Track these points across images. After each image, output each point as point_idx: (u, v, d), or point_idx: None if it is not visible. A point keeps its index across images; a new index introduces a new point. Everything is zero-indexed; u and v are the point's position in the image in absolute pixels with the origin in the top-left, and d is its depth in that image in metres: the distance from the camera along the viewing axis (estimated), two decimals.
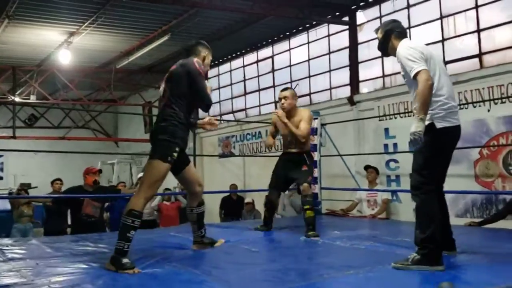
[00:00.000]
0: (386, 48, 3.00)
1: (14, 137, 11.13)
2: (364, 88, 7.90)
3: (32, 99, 11.36)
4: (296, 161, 4.34)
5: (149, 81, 12.35)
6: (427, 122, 2.66)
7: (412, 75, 2.68)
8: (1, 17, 7.52)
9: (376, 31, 3.06)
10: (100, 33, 8.65)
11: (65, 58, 9.24)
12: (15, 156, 12.01)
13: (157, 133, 3.02)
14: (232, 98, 11.03)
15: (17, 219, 7.01)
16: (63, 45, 8.98)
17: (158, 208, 7.93)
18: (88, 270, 2.78)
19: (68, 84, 11.33)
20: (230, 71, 11.05)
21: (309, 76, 8.93)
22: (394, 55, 2.94)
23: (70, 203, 5.63)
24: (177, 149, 2.97)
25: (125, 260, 2.69)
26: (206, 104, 3.12)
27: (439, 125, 2.71)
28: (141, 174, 9.17)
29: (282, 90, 4.45)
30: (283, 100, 4.34)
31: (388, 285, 2.33)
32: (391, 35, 2.94)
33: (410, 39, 3.04)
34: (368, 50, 7.73)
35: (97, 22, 7.98)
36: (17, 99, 11.31)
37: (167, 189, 9.47)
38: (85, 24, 8.11)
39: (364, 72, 7.89)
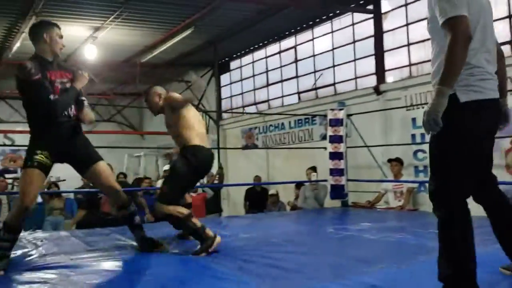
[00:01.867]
0: None
1: None
2: (390, 77, 7.77)
3: None
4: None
5: (172, 74, 12.42)
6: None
7: (441, 21, 1.85)
8: (29, 14, 7.65)
9: None
10: (124, 27, 8.72)
11: (90, 53, 9.37)
12: None
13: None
14: (254, 89, 11.01)
15: (48, 212, 7.19)
16: (88, 40, 9.11)
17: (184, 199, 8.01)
18: (121, 264, 2.82)
19: (94, 79, 11.48)
20: (253, 62, 11.02)
21: (334, 66, 8.83)
22: None
23: (90, 200, 5.65)
24: (38, 151, 2.81)
25: None
26: (50, 109, 2.78)
27: (464, 97, 1.88)
28: (166, 167, 9.30)
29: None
30: None
31: (423, 279, 2.29)
32: None
33: None
34: (394, 38, 7.59)
35: (122, 16, 8.05)
36: None
37: None
38: (110, 19, 8.19)
39: (390, 60, 7.75)
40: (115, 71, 11.69)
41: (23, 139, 4.02)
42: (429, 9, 2.00)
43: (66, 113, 2.90)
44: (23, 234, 4.46)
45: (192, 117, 3.35)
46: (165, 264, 2.75)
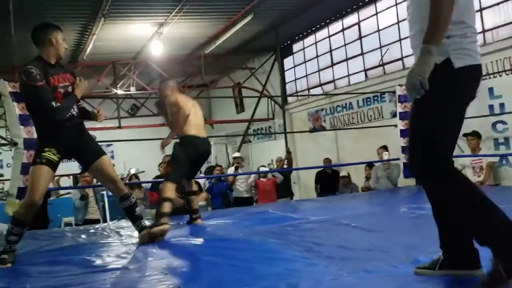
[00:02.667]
0: None
1: (119, 127, 12.05)
2: None
3: (132, 90, 12.16)
4: None
5: (236, 62, 12.58)
6: (439, 59, 1.70)
7: None
8: (98, 17, 8.08)
9: None
10: (187, 20, 8.94)
11: (157, 49, 9.71)
12: (122, 144, 12.96)
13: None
14: (319, 70, 10.84)
15: None
16: (154, 36, 9.45)
17: (255, 184, 8.14)
18: (193, 248, 2.94)
19: (162, 73, 11.92)
20: (315, 43, 10.84)
21: (400, 39, 8.45)
22: None
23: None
24: (46, 149, 2.95)
25: (3, 256, 2.85)
26: (52, 116, 2.93)
27: (459, 62, 1.71)
28: (236, 154, 9.49)
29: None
30: None
31: None
32: None
33: None
34: None
35: (183, 10, 8.25)
36: (119, 91, 12.19)
37: (262, 166, 9.67)
38: (172, 14, 8.42)
39: None
40: (182, 65, 12.04)
41: None
42: None
43: (69, 113, 3.03)
44: (106, 224, 4.81)
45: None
46: (234, 248, 2.83)
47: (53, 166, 3.00)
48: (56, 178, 12.76)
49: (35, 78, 2.84)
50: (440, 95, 1.72)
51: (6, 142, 4.25)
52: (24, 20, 6.97)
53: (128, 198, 3.26)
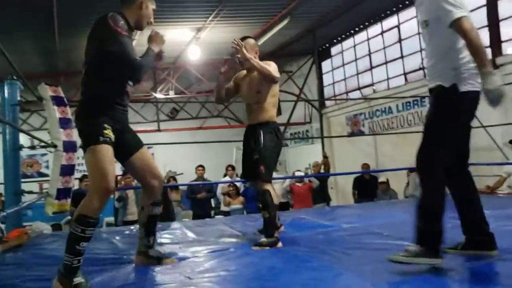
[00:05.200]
0: None
1: (159, 130, 12.29)
2: (508, 49, 7.00)
3: (171, 94, 12.38)
4: (252, 140, 3.31)
5: None
6: (448, 84, 2.23)
7: (449, 22, 2.17)
8: None
9: None
10: (224, 25, 9.02)
11: (195, 54, 9.86)
12: (162, 147, 13.26)
13: (79, 118, 2.40)
14: (357, 74, 10.68)
15: None
16: (192, 41, 9.58)
17: (290, 189, 8.07)
18: (228, 251, 2.93)
19: (201, 78, 12.08)
20: (354, 46, 10.69)
21: None
22: None
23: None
24: (105, 125, 2.32)
25: (77, 280, 2.16)
26: (135, 71, 2.36)
27: (463, 88, 2.23)
28: None
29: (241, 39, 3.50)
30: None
31: None
32: None
33: None
34: (510, 5, 6.81)
35: (220, 14, 8.33)
36: (159, 95, 12.45)
37: (297, 170, 9.59)
38: (210, 18, 8.52)
39: (507, 30, 6.98)
40: (219, 69, 12.13)
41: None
42: (424, 12, 2.31)
43: (123, 101, 2.50)
44: None
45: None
46: (261, 256, 2.80)
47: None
48: None
49: (122, 27, 2.35)
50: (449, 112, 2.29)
51: (46, 144, 4.40)
52: (68, 25, 7.23)
53: (160, 206, 2.70)
